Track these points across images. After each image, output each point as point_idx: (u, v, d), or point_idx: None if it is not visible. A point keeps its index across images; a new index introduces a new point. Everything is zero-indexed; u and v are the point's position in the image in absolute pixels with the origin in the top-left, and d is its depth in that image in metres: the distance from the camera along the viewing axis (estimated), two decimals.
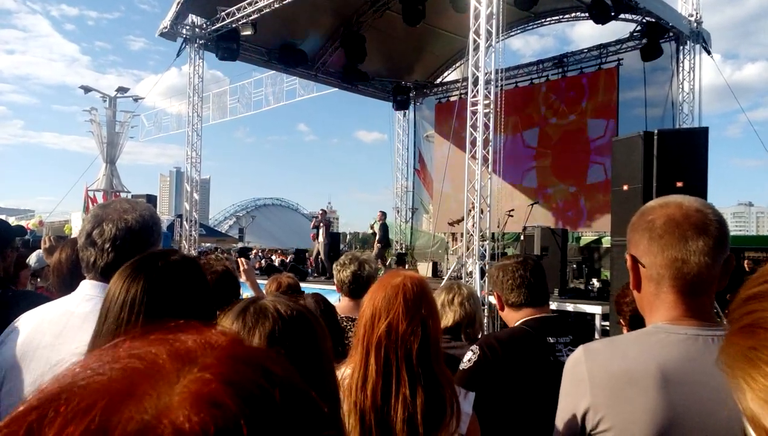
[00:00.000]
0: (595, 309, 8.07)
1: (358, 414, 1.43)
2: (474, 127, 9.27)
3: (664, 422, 1.08)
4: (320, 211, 14.23)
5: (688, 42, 12.46)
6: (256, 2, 12.32)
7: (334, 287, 3.23)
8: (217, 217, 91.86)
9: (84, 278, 1.54)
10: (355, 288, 2.87)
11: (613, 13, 11.16)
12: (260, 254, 24.57)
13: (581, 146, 13.97)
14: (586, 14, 12.55)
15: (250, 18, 12.60)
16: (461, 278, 9.09)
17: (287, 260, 18.42)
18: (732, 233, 1.26)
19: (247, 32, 12.97)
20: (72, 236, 3.59)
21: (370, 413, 1.43)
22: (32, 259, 3.97)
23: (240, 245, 30.57)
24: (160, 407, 0.29)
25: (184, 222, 13.93)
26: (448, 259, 14.82)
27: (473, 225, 9.30)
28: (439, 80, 17.74)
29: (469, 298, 2.62)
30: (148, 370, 0.32)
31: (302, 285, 3.82)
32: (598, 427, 1.16)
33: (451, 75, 17.58)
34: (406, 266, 14.52)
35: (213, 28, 13.23)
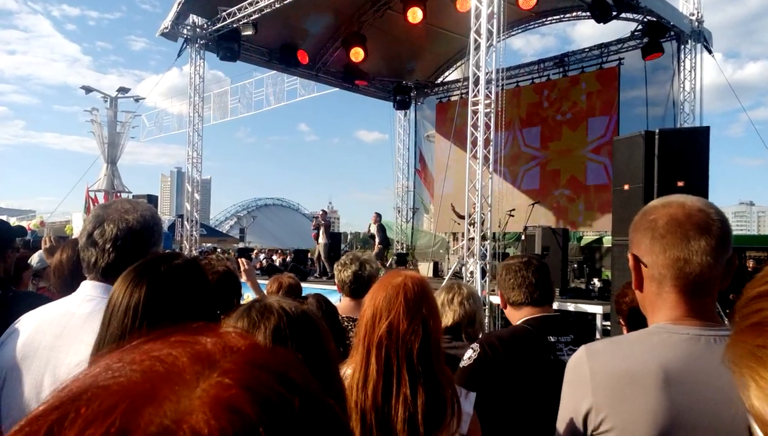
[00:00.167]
0: (596, 309, 8.06)
1: (358, 414, 1.43)
2: (475, 126, 9.26)
3: (666, 422, 1.08)
4: (320, 212, 14.24)
5: (689, 41, 12.44)
6: (257, 2, 12.32)
7: (335, 287, 3.23)
8: (218, 217, 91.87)
9: (85, 278, 1.54)
10: (356, 288, 2.87)
11: (614, 12, 11.15)
12: (262, 253, 24.59)
13: (582, 146, 13.95)
14: (587, 13, 12.54)
15: (251, 18, 12.60)
16: (462, 278, 9.08)
17: (287, 260, 18.42)
18: (733, 233, 1.26)
19: (248, 32, 12.97)
20: (73, 237, 3.59)
21: (370, 412, 1.43)
22: (34, 259, 3.97)
23: (240, 245, 30.58)
24: (180, 412, 0.29)
25: (185, 222, 13.94)
26: (449, 259, 14.82)
27: (473, 224, 9.29)
28: (439, 80, 17.73)
29: (468, 297, 2.62)
30: (169, 373, 0.32)
31: (303, 285, 3.82)
32: (600, 427, 1.15)
33: (452, 75, 17.57)
34: (407, 266, 14.52)
35: (214, 28, 13.24)
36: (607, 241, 12.65)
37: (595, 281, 10.02)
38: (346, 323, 2.75)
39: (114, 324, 1.15)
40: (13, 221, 15.12)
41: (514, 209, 11.44)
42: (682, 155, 6.11)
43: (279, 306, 1.07)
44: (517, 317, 2.25)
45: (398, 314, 1.47)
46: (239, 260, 3.65)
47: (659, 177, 5.97)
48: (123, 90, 23.42)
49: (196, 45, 13.60)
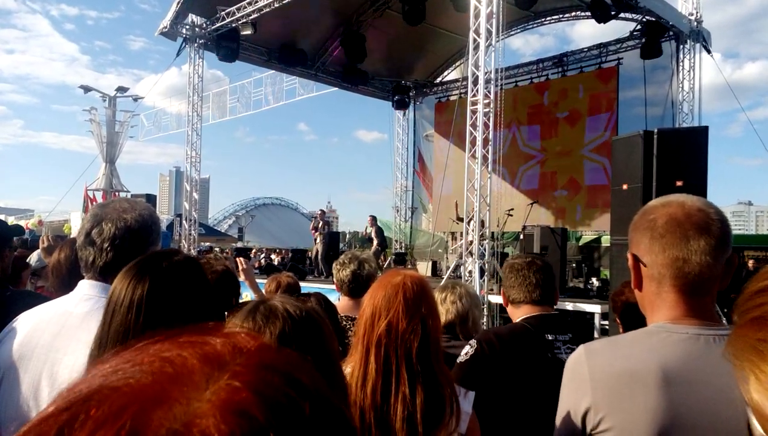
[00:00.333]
0: (595, 308, 8.07)
1: (357, 413, 1.43)
2: (474, 126, 9.26)
3: (665, 421, 1.08)
4: (319, 211, 14.25)
5: (688, 41, 12.45)
6: (256, 2, 12.31)
7: (333, 287, 3.23)
8: (216, 216, 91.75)
9: (83, 277, 1.53)
10: (355, 287, 2.87)
11: (613, 12, 11.15)
12: (261, 252, 24.58)
13: (581, 145, 13.96)
14: (586, 13, 12.56)
15: (250, 18, 12.60)
16: (461, 277, 9.09)
17: (286, 259, 18.41)
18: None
19: (247, 32, 12.96)
20: (71, 236, 3.58)
21: (369, 411, 1.43)
22: (33, 258, 3.96)
23: (239, 244, 30.55)
24: (189, 415, 0.29)
25: (184, 221, 13.93)
26: (447, 258, 14.82)
27: (472, 224, 9.29)
28: (438, 79, 17.73)
29: (462, 296, 2.63)
30: (178, 375, 0.32)
31: (302, 284, 3.81)
32: (598, 426, 1.15)
33: (450, 74, 17.58)
34: (406, 266, 14.52)
35: (213, 27, 13.23)
36: (606, 240, 12.66)
37: (594, 280, 10.04)
38: (344, 322, 2.74)
39: (117, 320, 1.15)
40: (11, 220, 15.11)
41: (512, 209, 11.44)
42: (681, 155, 6.12)
43: (284, 309, 1.07)
44: (517, 315, 2.28)
45: (397, 313, 1.47)
46: (237, 259, 3.65)
47: (658, 177, 5.98)
48: (122, 89, 23.38)
49: (195, 44, 13.60)
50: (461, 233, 10.31)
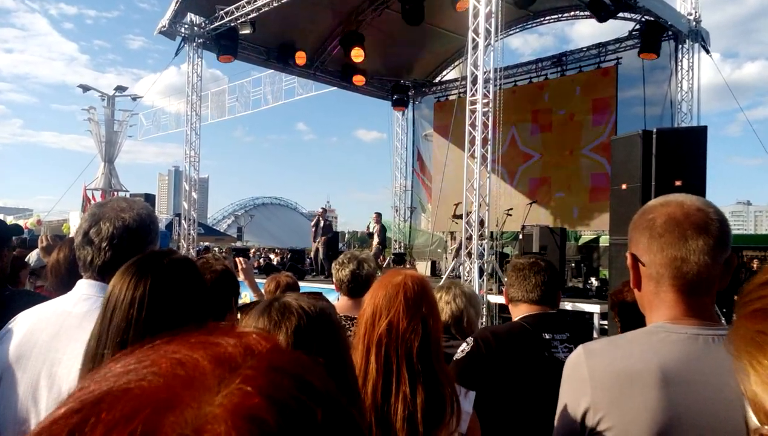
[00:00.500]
0: (594, 308, 8.08)
1: None
2: (473, 126, 9.26)
3: (664, 421, 1.08)
4: (321, 210, 14.25)
5: (686, 41, 12.46)
6: (255, 1, 12.31)
7: (332, 286, 3.23)
8: (215, 216, 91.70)
9: (82, 277, 1.53)
10: (354, 287, 2.87)
11: (612, 9, 11.14)
12: (259, 252, 24.57)
13: (580, 145, 13.96)
14: (585, 13, 12.55)
15: (249, 17, 12.59)
16: (460, 277, 9.09)
17: (285, 260, 18.41)
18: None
19: (246, 31, 12.95)
20: (70, 236, 3.58)
21: (370, 411, 1.43)
22: (32, 257, 3.96)
23: (237, 244, 30.53)
24: (200, 420, 0.29)
25: (183, 221, 13.92)
26: (446, 258, 14.82)
27: (471, 224, 9.29)
28: (437, 79, 17.72)
29: (456, 297, 2.64)
30: (190, 377, 0.32)
31: (301, 284, 3.81)
32: (598, 426, 1.15)
33: (449, 74, 17.57)
34: (405, 265, 14.53)
35: (212, 27, 13.22)
36: (605, 240, 12.67)
37: (593, 280, 10.04)
38: (344, 322, 2.75)
39: (118, 317, 1.15)
40: (9, 220, 15.08)
41: (511, 209, 11.45)
42: (680, 155, 6.13)
43: (298, 305, 1.08)
44: (516, 314, 2.31)
45: (398, 313, 1.47)
46: (236, 259, 3.64)
47: (657, 176, 5.98)
48: (120, 88, 23.38)
49: (194, 44, 13.59)
50: (460, 232, 10.31)
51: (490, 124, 9.21)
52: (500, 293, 8.16)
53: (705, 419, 1.06)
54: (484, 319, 8.08)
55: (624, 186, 6.36)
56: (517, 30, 15.67)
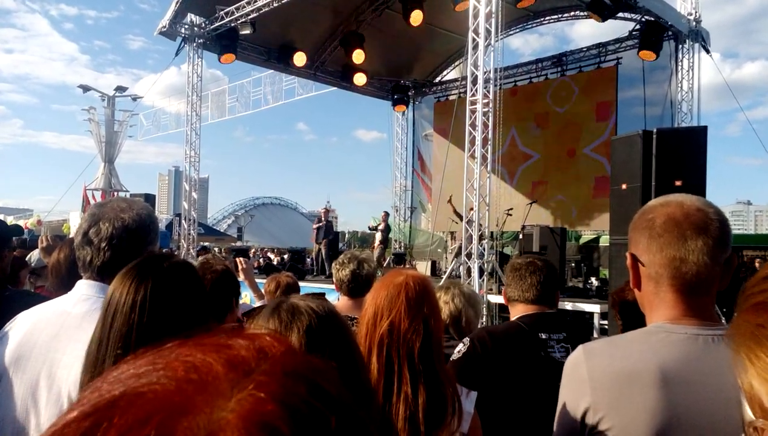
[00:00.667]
0: (594, 308, 8.08)
1: None
2: (473, 126, 9.27)
3: (664, 421, 1.08)
4: (323, 210, 14.28)
5: (687, 41, 12.46)
6: (255, 1, 12.31)
7: (333, 286, 3.23)
8: (215, 216, 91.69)
9: (82, 277, 1.53)
10: (354, 287, 2.87)
11: (612, 8, 11.14)
12: (258, 252, 24.56)
13: (580, 145, 13.96)
14: (585, 13, 12.55)
15: (249, 17, 12.59)
16: (460, 277, 9.09)
17: (286, 260, 18.41)
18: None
19: (246, 31, 12.94)
20: (70, 236, 3.58)
21: None
22: (33, 257, 3.96)
23: (238, 244, 30.52)
24: (213, 426, 0.29)
25: (183, 221, 13.92)
26: (447, 258, 14.82)
27: (472, 224, 9.29)
28: (437, 79, 17.72)
29: (454, 297, 2.64)
30: (203, 382, 0.31)
31: (301, 284, 3.81)
32: (597, 426, 1.15)
33: (450, 74, 17.57)
34: (405, 265, 14.53)
35: (212, 27, 13.22)
36: (605, 240, 12.67)
37: (593, 279, 10.05)
38: None
39: (119, 321, 1.15)
40: (10, 220, 15.09)
41: (512, 208, 11.44)
42: (680, 155, 6.13)
43: (306, 305, 1.09)
44: (513, 314, 2.32)
45: (400, 313, 1.48)
46: (237, 259, 3.65)
47: (657, 176, 5.98)
48: (121, 89, 23.40)
49: (194, 44, 13.59)
50: (460, 232, 10.31)
51: (490, 124, 9.21)
52: (500, 292, 8.17)
53: (705, 419, 1.06)
54: (484, 319, 8.07)
55: (624, 186, 6.36)
56: (517, 30, 15.66)
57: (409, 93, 17.92)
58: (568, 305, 8.22)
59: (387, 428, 1.29)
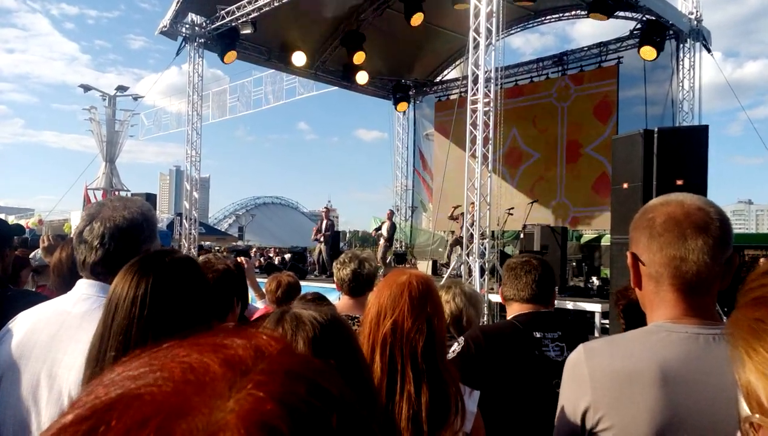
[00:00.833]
0: (595, 307, 8.08)
1: None
2: (474, 125, 9.26)
3: (664, 420, 1.08)
4: (325, 209, 14.30)
5: (688, 40, 12.44)
6: (256, 1, 12.30)
7: (334, 286, 3.23)
8: (216, 215, 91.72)
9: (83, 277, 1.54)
10: (355, 286, 2.87)
11: (612, 4, 11.14)
12: (259, 252, 24.57)
13: (581, 144, 13.95)
14: (586, 12, 12.53)
15: (250, 17, 12.58)
16: (461, 277, 9.09)
17: (286, 258, 18.41)
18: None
19: (247, 31, 12.94)
20: (71, 235, 3.59)
21: None
22: (36, 255, 3.98)
23: (239, 243, 30.53)
24: (212, 427, 0.29)
25: (184, 221, 13.92)
26: (447, 257, 14.82)
27: (473, 223, 9.29)
28: (438, 78, 17.70)
29: (455, 296, 2.63)
30: (200, 383, 0.31)
31: (302, 284, 3.82)
32: (598, 426, 1.15)
33: (451, 73, 17.55)
34: (406, 265, 14.54)
35: (213, 26, 13.21)
36: (606, 239, 12.66)
37: (594, 279, 10.04)
38: None
39: (120, 315, 1.15)
40: (11, 220, 15.12)
41: (513, 208, 11.43)
42: (681, 154, 6.12)
43: (309, 315, 1.09)
44: (509, 312, 2.34)
45: (403, 313, 1.48)
46: (239, 258, 3.65)
47: (658, 175, 5.98)
48: (122, 88, 23.43)
49: (195, 43, 13.58)
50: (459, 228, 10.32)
51: (491, 123, 9.20)
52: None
53: (706, 419, 1.06)
54: (485, 318, 8.08)
55: (625, 185, 6.36)
56: (518, 29, 15.65)
57: (410, 92, 17.90)
58: (570, 305, 8.22)
59: (390, 427, 1.29)
